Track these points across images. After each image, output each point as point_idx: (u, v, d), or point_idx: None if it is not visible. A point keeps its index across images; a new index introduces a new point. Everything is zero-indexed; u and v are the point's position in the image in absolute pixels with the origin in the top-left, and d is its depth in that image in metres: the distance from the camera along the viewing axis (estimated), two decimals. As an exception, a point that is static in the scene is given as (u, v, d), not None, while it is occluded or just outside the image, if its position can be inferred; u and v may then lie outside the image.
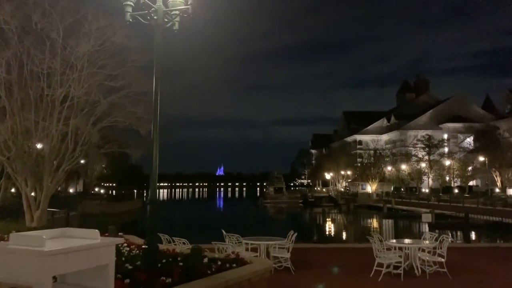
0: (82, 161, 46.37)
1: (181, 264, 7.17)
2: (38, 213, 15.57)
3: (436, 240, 10.64)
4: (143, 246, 6.85)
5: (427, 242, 10.84)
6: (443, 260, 9.96)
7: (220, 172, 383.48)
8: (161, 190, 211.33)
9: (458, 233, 23.91)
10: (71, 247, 3.38)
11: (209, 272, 6.81)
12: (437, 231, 18.17)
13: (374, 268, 9.90)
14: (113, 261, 3.86)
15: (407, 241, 11.32)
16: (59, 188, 58.33)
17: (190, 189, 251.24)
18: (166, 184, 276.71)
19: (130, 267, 6.89)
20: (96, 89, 15.17)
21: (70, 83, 14.59)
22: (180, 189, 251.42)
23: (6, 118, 14.77)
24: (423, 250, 10.51)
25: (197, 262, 7.24)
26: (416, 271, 9.90)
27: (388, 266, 9.85)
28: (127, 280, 5.67)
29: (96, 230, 3.77)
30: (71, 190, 63.83)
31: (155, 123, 6.87)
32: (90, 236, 3.75)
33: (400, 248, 10.37)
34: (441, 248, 10.20)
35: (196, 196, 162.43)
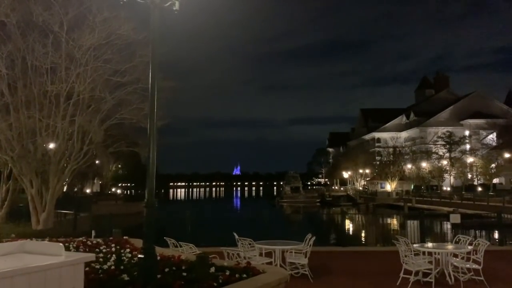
0: (97, 162, 46.28)
1: (184, 274, 6.36)
2: (44, 215, 14.97)
3: (470, 244, 9.59)
4: (139, 256, 6.03)
5: (458, 246, 9.78)
6: (479, 267, 8.91)
7: (236, 171, 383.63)
8: (179, 190, 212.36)
9: (484, 234, 22.58)
10: (16, 269, 2.54)
11: (215, 284, 5.98)
12: (460, 231, 16.99)
13: (401, 275, 8.94)
14: (81, 285, 3.00)
15: (437, 245, 10.28)
16: (75, 189, 58.59)
17: (207, 189, 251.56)
18: (183, 184, 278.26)
19: (127, 278, 6.09)
20: (101, 84, 14.48)
21: (74, 79, 13.91)
22: (197, 189, 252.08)
23: (9, 115, 14.17)
24: (456, 256, 9.47)
25: (203, 272, 6.41)
26: (448, 279, 8.87)
27: (416, 274, 8.86)
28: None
29: (60, 244, 2.93)
30: (87, 191, 63.86)
31: (152, 117, 6.07)
32: (52, 252, 2.92)
33: (430, 253, 9.35)
34: (476, 254, 9.15)
35: (213, 195, 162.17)
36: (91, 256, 3.39)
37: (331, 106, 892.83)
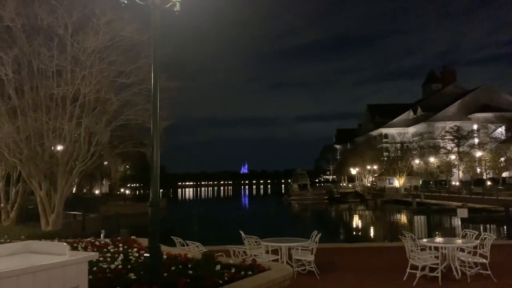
0: (105, 163, 46.56)
1: (190, 272, 6.44)
2: (53, 216, 15.16)
3: (476, 238, 9.57)
4: (144, 254, 6.12)
5: (465, 240, 9.75)
6: (486, 261, 8.90)
7: (244, 170, 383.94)
8: (187, 189, 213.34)
9: (495, 228, 22.46)
10: (23, 268, 2.62)
11: (220, 282, 6.06)
12: (469, 226, 16.89)
13: (408, 270, 8.95)
14: (85, 283, 3.08)
15: (443, 239, 10.27)
16: (84, 190, 59.02)
17: (215, 188, 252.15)
18: (191, 183, 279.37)
19: (133, 277, 6.19)
20: (107, 86, 14.62)
21: (80, 81, 14.08)
22: (206, 188, 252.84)
23: (17, 119, 14.37)
24: (462, 250, 9.46)
25: (209, 270, 6.49)
26: (455, 273, 8.87)
27: (423, 269, 8.86)
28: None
29: (64, 244, 3.01)
30: (96, 192, 64.30)
31: (155, 118, 6.15)
32: (57, 251, 3.00)
33: (436, 248, 9.35)
34: (483, 248, 9.13)
35: (221, 194, 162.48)
36: (94, 255, 3.46)
37: (338, 102, 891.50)
